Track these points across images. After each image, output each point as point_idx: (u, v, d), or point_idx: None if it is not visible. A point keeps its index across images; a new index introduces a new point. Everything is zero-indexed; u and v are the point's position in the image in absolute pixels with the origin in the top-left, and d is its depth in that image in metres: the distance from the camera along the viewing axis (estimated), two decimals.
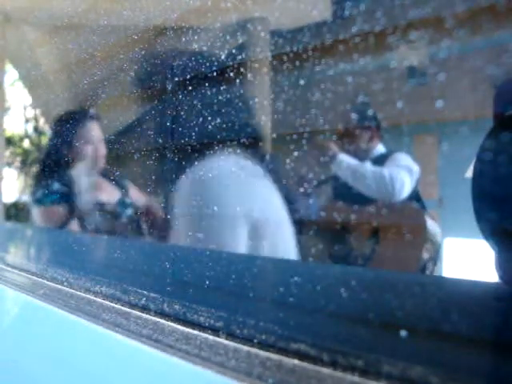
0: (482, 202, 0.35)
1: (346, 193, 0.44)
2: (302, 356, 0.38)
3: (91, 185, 0.86)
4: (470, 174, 0.36)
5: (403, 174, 0.41)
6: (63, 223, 0.86)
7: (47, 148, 0.98)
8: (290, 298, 0.43)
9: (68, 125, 0.85)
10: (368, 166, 0.44)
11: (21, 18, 1.10)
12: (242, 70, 0.50)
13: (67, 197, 0.88)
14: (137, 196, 0.74)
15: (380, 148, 0.45)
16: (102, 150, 0.83)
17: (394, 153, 0.43)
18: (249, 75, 0.50)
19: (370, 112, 0.40)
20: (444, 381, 0.31)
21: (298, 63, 0.44)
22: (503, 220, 0.34)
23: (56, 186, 0.89)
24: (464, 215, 0.37)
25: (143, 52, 0.66)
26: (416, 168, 0.40)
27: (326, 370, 0.36)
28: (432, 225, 0.39)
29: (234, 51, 0.51)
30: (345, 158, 0.44)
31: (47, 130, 1.24)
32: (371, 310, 0.37)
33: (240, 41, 0.51)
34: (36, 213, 0.97)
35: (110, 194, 0.83)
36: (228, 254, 0.53)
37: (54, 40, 0.94)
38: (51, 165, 0.92)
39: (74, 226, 0.86)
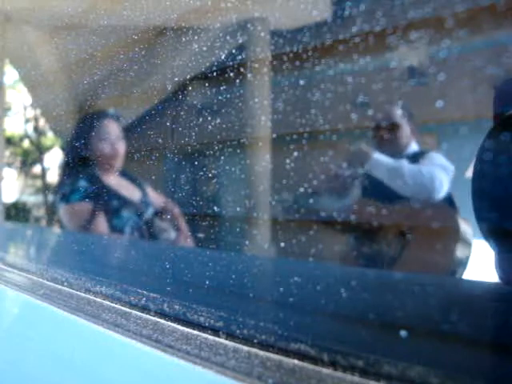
0: (481, 202, 0.35)
1: (382, 192, 0.43)
2: (301, 356, 0.38)
3: (110, 183, 0.86)
4: (470, 173, 0.36)
5: (442, 173, 0.40)
6: (86, 221, 0.86)
7: (66, 147, 0.98)
8: (290, 298, 0.43)
9: (88, 124, 0.86)
10: (405, 164, 0.43)
11: (21, 18, 1.10)
12: (241, 70, 0.50)
13: (89, 195, 0.89)
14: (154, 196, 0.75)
15: (414, 146, 0.44)
16: (121, 149, 0.83)
17: (429, 151, 0.42)
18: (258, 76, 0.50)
19: (405, 109, 0.39)
20: (444, 381, 0.31)
21: (312, 61, 0.44)
22: (503, 220, 0.34)
23: (78, 184, 0.90)
24: (463, 215, 0.37)
25: (143, 52, 0.66)
26: (452, 167, 0.39)
27: (325, 370, 0.36)
28: (466, 225, 0.38)
29: (232, 51, 0.51)
30: (380, 157, 0.43)
31: (48, 130, 1.24)
32: (371, 310, 0.37)
33: (239, 41, 0.51)
34: (61, 211, 0.98)
35: (128, 193, 0.84)
36: (228, 254, 0.53)
37: (54, 40, 0.94)
38: (71, 164, 0.92)
39: (96, 224, 0.86)
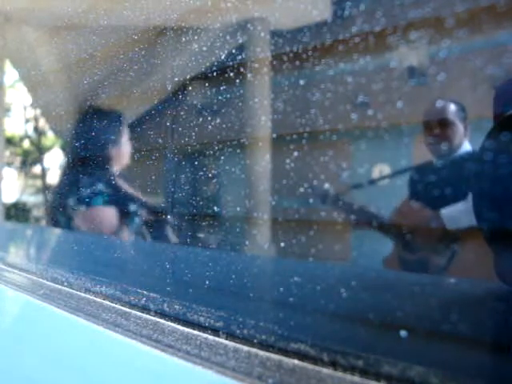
0: (481, 202, 0.35)
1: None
2: (301, 356, 0.38)
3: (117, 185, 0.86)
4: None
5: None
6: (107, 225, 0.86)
7: (66, 147, 0.98)
8: (290, 298, 0.43)
9: (87, 124, 0.85)
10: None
11: (21, 18, 1.10)
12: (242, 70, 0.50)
13: (87, 195, 0.89)
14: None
15: (467, 146, 0.40)
16: (120, 149, 0.83)
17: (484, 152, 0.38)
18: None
19: (457, 106, 0.38)
20: (444, 381, 0.31)
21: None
22: (503, 220, 0.34)
23: (95, 187, 0.90)
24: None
25: (143, 52, 0.66)
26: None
27: (325, 370, 0.36)
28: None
29: (232, 52, 0.51)
30: (447, 211, 0.39)
31: (48, 130, 1.24)
32: (371, 310, 0.37)
33: (239, 41, 0.51)
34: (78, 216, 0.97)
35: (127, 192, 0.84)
36: (228, 254, 0.53)
37: (54, 40, 0.94)
38: (72, 164, 0.92)
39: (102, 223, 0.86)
